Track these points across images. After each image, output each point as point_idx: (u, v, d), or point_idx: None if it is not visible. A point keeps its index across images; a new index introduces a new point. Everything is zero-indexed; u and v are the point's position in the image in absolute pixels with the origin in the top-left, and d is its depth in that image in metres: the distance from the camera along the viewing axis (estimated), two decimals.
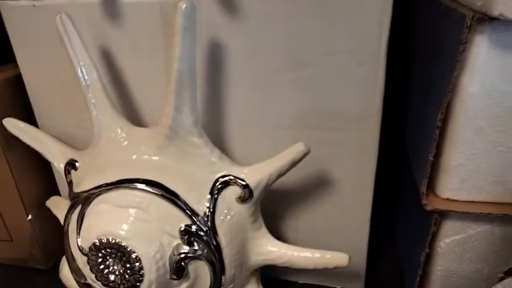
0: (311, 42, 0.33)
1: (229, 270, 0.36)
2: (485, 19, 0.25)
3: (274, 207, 0.41)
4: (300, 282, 0.46)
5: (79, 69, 0.34)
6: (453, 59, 0.27)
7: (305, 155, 0.32)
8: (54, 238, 0.50)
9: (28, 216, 0.46)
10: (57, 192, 0.48)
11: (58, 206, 0.45)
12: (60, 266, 0.46)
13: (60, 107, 0.42)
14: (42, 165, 0.46)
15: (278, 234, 0.41)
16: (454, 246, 0.34)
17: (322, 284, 0.46)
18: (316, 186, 0.40)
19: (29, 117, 0.43)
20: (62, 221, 0.44)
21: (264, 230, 0.37)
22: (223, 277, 0.36)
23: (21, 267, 0.50)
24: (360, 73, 0.34)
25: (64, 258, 0.46)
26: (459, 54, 0.26)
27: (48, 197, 0.47)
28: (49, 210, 0.47)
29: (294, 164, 0.33)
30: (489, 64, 0.27)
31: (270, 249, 0.37)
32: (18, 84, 0.42)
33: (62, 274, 0.44)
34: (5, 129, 0.41)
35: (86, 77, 0.34)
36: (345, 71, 0.34)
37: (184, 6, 0.30)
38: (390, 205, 0.41)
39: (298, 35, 0.33)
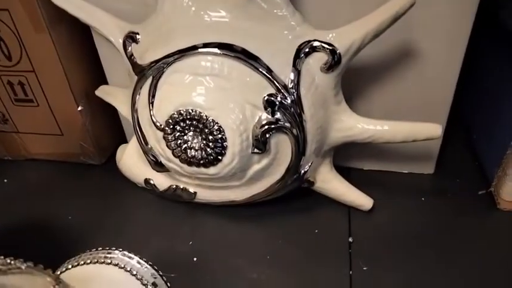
0: None
1: (310, 147, 0.34)
2: None
3: (345, 86, 0.37)
4: (365, 169, 0.45)
5: None
6: None
7: (411, 5, 0.28)
8: (105, 132, 0.48)
9: (78, 107, 0.44)
10: (104, 82, 0.45)
11: (110, 93, 0.43)
12: (118, 155, 0.44)
13: None
14: (88, 51, 0.43)
15: None
16: None
17: (389, 170, 0.44)
18: (396, 61, 0.36)
19: None
20: (118, 108, 0.42)
21: (344, 105, 0.35)
22: (302, 157, 0.34)
23: (74, 163, 0.49)
24: None
25: (120, 148, 0.44)
26: None
27: (96, 87, 0.44)
28: (98, 101, 0.44)
29: (396, 19, 0.29)
30: None
31: (352, 124, 0.35)
32: None
33: (121, 163, 0.43)
34: (47, 4, 0.37)
35: None
36: None
37: None
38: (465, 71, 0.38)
39: None
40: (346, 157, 0.44)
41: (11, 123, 0.47)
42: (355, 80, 0.38)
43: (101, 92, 0.43)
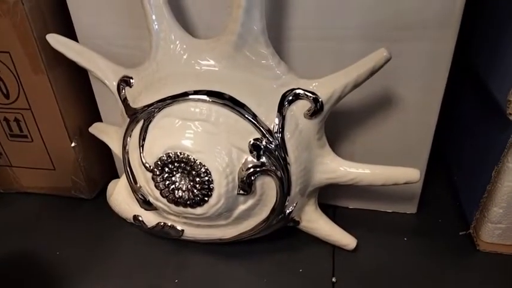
0: None
1: (294, 188, 0.35)
2: None
3: (330, 127, 0.39)
4: (350, 207, 0.46)
5: None
6: None
7: (387, 61, 0.30)
8: (97, 167, 0.49)
9: (71, 143, 0.45)
10: (99, 119, 0.46)
11: (103, 131, 0.44)
12: (109, 191, 0.45)
13: (104, 23, 0.39)
14: (84, 89, 0.44)
15: None
16: None
17: (373, 209, 0.46)
18: (378, 106, 0.38)
19: (69, 34, 0.40)
20: (110, 145, 0.43)
21: (328, 149, 0.36)
22: (287, 198, 0.35)
23: (64, 197, 0.50)
24: None
25: (110, 184, 0.45)
26: None
27: (90, 124, 0.46)
28: (91, 138, 0.45)
29: (373, 72, 0.31)
30: None
31: (335, 168, 0.36)
32: None
33: (111, 199, 0.44)
34: (47, 46, 0.39)
35: None
36: None
37: None
38: (443, 118, 0.40)
39: None
40: (333, 195, 0.46)
41: (4, 158, 0.48)
42: (339, 124, 0.40)
43: (95, 129, 0.45)
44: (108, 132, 0.44)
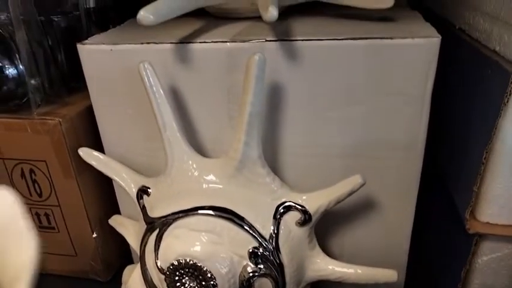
0: (364, 84, 0.38)
1: (288, 285, 0.40)
2: None
3: (322, 226, 0.45)
4: None
5: (158, 111, 0.38)
6: (496, 108, 0.31)
7: (362, 186, 0.36)
8: (113, 253, 0.55)
9: (93, 234, 0.51)
10: (117, 210, 0.52)
11: (122, 224, 0.50)
12: (124, 277, 0.50)
13: (127, 136, 0.46)
14: (106, 187, 0.51)
15: (325, 249, 0.45)
16: (491, 263, 0.38)
17: None
18: (362, 208, 0.44)
19: (96, 144, 0.47)
20: (127, 238, 0.49)
21: (318, 249, 0.42)
22: None
23: (82, 279, 0.55)
24: (407, 111, 0.38)
25: (126, 271, 0.51)
26: (503, 105, 0.30)
27: (109, 215, 0.52)
28: (110, 227, 0.51)
29: (351, 193, 0.37)
30: None
31: (324, 267, 0.41)
32: (88, 115, 0.47)
33: (126, 286, 0.49)
34: (77, 156, 0.46)
35: (163, 117, 0.39)
36: (393, 109, 0.38)
37: (258, 58, 0.34)
38: (420, 224, 0.46)
39: (351, 78, 0.38)
40: (324, 282, 0.50)
41: None
42: (328, 225, 0.45)
43: (113, 221, 0.51)
44: (125, 225, 0.49)
